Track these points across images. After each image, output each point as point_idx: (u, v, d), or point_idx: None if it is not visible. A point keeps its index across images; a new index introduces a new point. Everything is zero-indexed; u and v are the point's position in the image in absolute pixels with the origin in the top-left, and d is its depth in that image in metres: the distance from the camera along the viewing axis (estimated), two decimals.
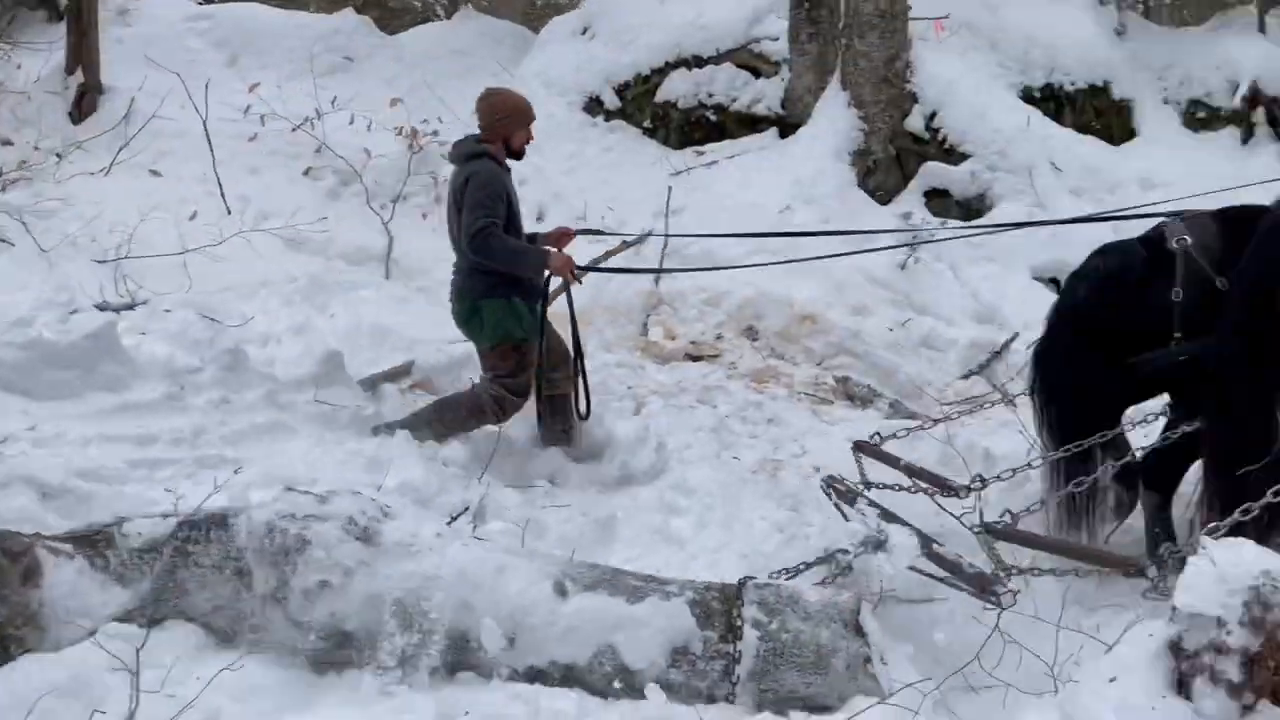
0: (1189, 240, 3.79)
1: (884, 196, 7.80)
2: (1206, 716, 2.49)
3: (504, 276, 4.38)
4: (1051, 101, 7.89)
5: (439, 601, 2.85)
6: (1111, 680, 2.67)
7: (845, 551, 3.42)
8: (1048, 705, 2.90)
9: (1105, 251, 4.12)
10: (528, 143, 4.60)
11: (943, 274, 7.10)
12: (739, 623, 2.89)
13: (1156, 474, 4.01)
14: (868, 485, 4.09)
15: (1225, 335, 3.60)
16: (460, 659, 2.89)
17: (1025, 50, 7.95)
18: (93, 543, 2.86)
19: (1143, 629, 2.82)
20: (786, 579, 3.29)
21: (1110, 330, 3.89)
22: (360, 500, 3.06)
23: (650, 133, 8.85)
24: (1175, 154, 7.56)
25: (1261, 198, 3.95)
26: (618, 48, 8.84)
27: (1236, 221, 3.85)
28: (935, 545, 3.48)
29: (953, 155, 7.67)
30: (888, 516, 3.63)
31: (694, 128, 8.87)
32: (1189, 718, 2.50)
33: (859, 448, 4.37)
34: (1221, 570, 2.61)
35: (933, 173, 7.73)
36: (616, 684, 2.85)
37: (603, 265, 5.34)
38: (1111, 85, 7.76)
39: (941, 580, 3.35)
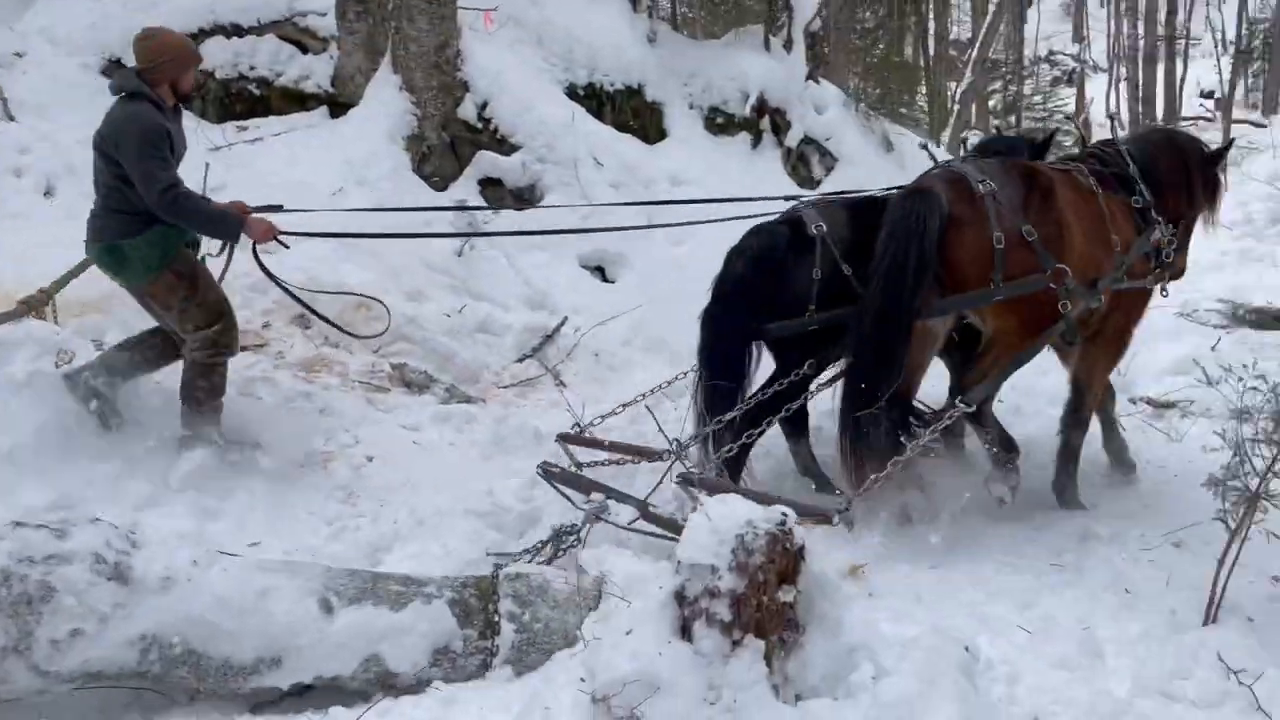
0: (824, 228, 4.42)
1: (440, 183, 7.81)
2: (704, 655, 2.77)
3: (143, 223, 4.18)
4: (594, 99, 8.37)
5: (197, 635, 2.82)
6: (628, 633, 2.89)
7: (571, 530, 3.79)
8: (576, 662, 3.09)
9: (758, 231, 4.67)
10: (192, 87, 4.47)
11: (496, 261, 7.28)
12: (496, 618, 3.18)
13: (790, 424, 4.75)
14: (579, 466, 4.54)
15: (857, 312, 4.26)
16: (224, 685, 2.89)
17: (569, 48, 8.35)
18: None
19: (656, 583, 3.08)
20: (527, 561, 3.65)
21: (763, 299, 4.45)
22: (103, 530, 2.88)
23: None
24: (699, 154, 8.39)
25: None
26: (140, 7, 7.96)
27: (860, 211, 4.57)
28: (651, 507, 3.91)
29: (504, 145, 7.87)
30: (608, 491, 4.06)
31: (235, 100, 8.29)
32: (690, 658, 2.76)
33: (564, 439, 4.79)
34: (715, 523, 2.91)
35: (487, 161, 7.88)
36: (380, 690, 3.01)
37: (309, 231, 4.72)
38: (645, 88, 8.41)
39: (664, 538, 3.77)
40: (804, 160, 8.75)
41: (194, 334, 4.34)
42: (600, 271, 7.48)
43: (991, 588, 3.94)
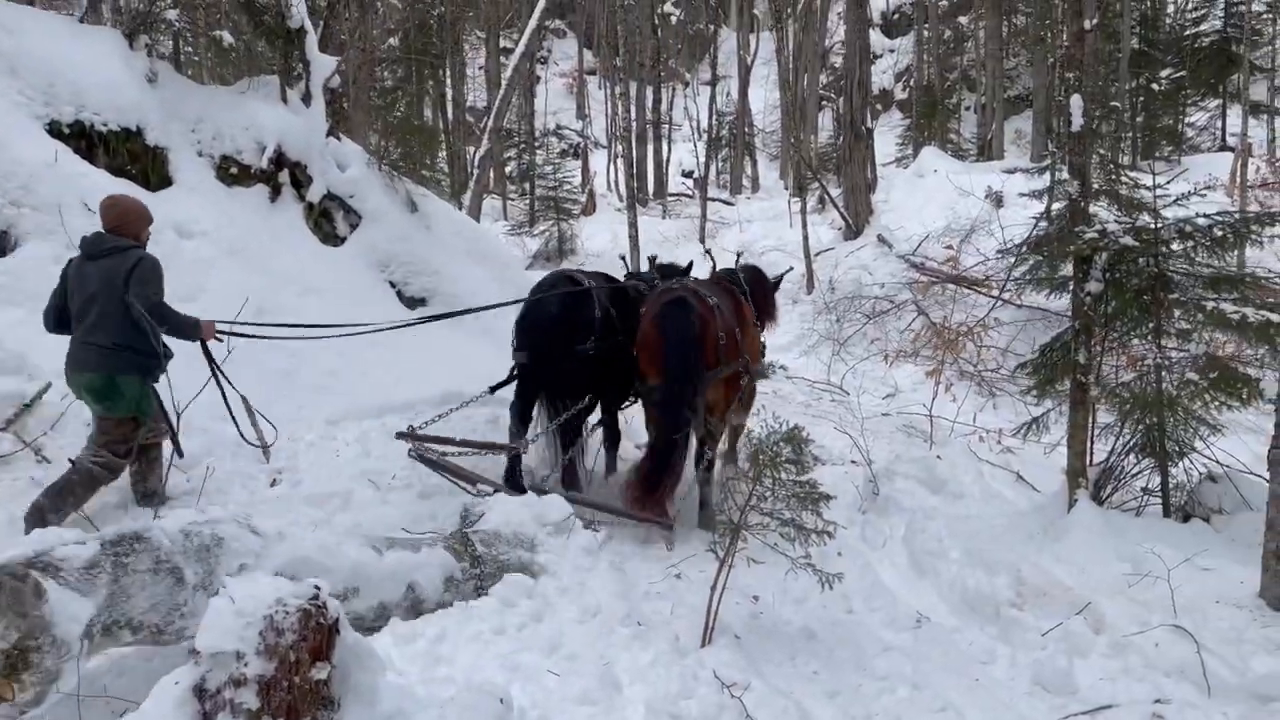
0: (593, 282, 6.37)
1: None
2: None
3: (145, 357, 5.10)
4: (83, 139, 7.48)
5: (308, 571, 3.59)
6: None
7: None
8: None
9: (556, 282, 6.29)
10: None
11: None
12: (478, 554, 4.61)
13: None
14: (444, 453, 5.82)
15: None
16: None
17: (51, 82, 7.39)
18: (44, 566, 3.06)
19: (170, 678, 2.79)
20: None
21: (571, 327, 6.04)
22: (228, 510, 4.26)
23: None
24: (211, 204, 7.85)
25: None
26: None
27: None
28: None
29: None
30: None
31: None
32: None
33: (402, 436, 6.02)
34: (240, 605, 2.71)
35: None
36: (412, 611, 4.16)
37: (238, 331, 5.75)
38: (146, 131, 7.68)
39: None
40: (327, 216, 8.56)
41: (101, 449, 5.11)
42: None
43: (522, 637, 4.10)
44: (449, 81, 26.15)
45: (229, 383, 5.51)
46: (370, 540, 4.27)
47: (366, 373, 7.39)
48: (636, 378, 6.08)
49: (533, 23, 17.66)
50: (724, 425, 6.36)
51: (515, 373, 6.30)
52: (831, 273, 16.30)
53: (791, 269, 11.03)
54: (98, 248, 5.11)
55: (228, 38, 9.80)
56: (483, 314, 8.96)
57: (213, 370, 5.47)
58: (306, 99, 8.89)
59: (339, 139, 9.07)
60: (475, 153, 17.78)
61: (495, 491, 5.60)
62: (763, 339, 7.29)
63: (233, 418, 5.54)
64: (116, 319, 4.98)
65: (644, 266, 7.75)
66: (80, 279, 5.08)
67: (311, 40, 8.96)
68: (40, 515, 4.73)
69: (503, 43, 28.85)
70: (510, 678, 3.64)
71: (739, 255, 8.59)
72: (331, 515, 5.36)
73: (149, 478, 5.39)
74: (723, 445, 6.85)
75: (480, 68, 30.08)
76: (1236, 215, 5.65)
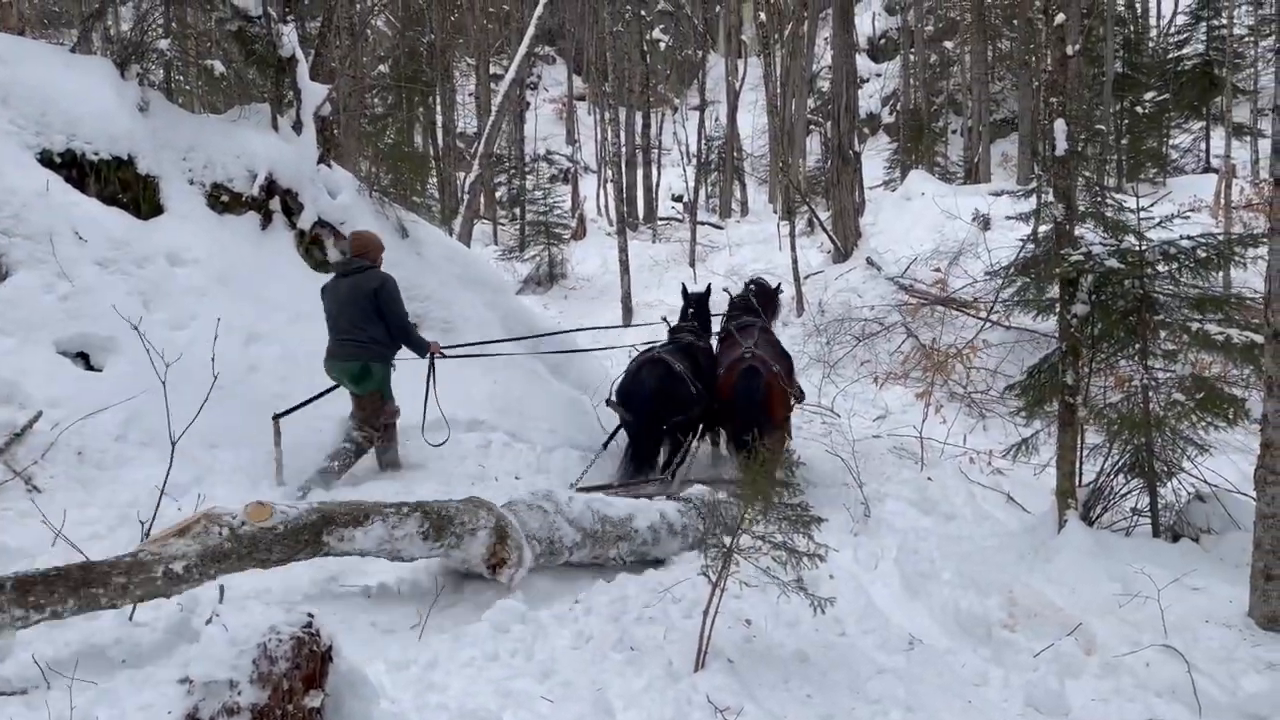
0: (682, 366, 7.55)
1: None
2: None
3: (386, 349, 6.74)
4: (75, 168, 7.49)
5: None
6: None
7: None
8: None
9: (655, 361, 7.59)
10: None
11: None
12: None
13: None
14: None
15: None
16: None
17: (43, 111, 7.40)
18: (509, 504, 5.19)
19: (163, 708, 2.79)
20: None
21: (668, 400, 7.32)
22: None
23: None
24: (203, 232, 7.86)
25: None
26: None
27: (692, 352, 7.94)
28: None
29: None
30: None
31: None
32: None
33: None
34: (233, 633, 2.72)
35: None
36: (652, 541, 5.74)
37: (460, 350, 7.45)
38: (137, 160, 7.69)
39: None
40: (318, 243, 8.58)
41: (361, 425, 6.71)
42: (84, 358, 6.65)
43: (515, 663, 4.10)
44: (439, 108, 26.29)
45: (437, 401, 6.89)
46: (649, 501, 6.07)
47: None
48: (721, 417, 7.78)
49: (522, 49, 17.79)
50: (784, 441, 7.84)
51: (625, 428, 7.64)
52: (821, 295, 16.36)
53: (781, 290, 11.16)
54: (348, 267, 6.83)
55: (219, 67, 9.86)
56: (477, 336, 9.00)
57: (429, 384, 6.89)
58: (297, 127, 8.93)
59: (329, 166, 9.10)
60: (466, 178, 17.85)
61: None
62: None
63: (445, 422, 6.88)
64: (364, 321, 6.59)
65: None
66: (335, 292, 6.73)
67: (303, 69, 9.02)
68: (329, 475, 6.35)
69: (493, 69, 29.04)
70: (503, 704, 3.63)
71: (750, 283, 9.65)
72: None
73: (389, 450, 6.83)
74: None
75: (470, 94, 30.27)
76: (1219, 237, 5.72)
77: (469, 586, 4.90)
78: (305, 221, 8.50)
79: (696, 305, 8.85)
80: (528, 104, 34.35)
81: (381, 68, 25.81)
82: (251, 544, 3.97)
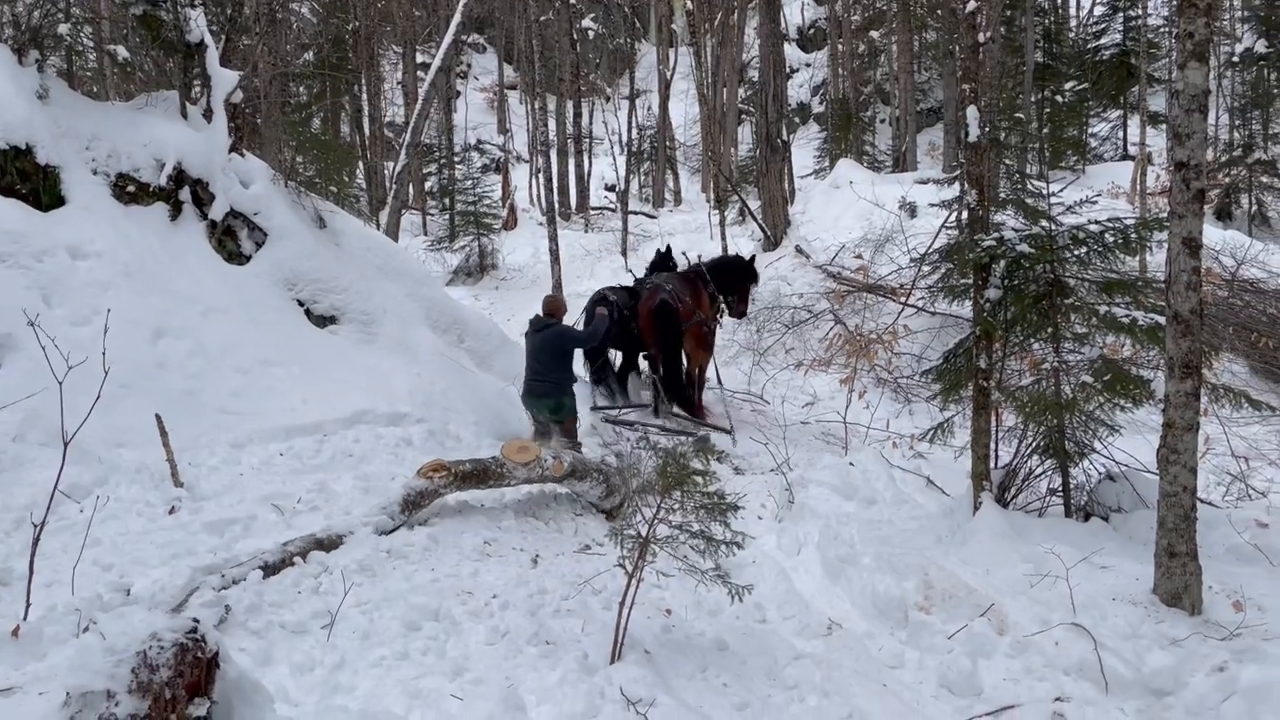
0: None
1: None
2: None
3: (571, 384, 8.21)
4: None
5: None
6: None
7: None
8: None
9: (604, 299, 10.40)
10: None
11: None
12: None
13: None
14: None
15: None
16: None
17: None
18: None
19: None
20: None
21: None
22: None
23: None
24: (107, 224, 7.56)
25: None
26: None
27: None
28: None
29: None
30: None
31: None
32: None
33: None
34: (111, 641, 2.60)
35: None
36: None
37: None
38: (35, 149, 7.36)
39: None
40: (231, 234, 8.32)
41: (569, 441, 7.92)
42: None
43: (426, 661, 4.01)
44: (365, 97, 25.82)
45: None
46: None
47: (273, 393, 7.21)
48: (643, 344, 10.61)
49: (448, 37, 17.52)
50: (694, 360, 10.49)
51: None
52: None
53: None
54: (540, 323, 8.20)
55: (123, 52, 9.49)
56: (399, 329, 8.85)
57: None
58: (208, 115, 8.64)
59: (242, 155, 8.82)
60: (393, 168, 17.53)
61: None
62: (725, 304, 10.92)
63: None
64: (557, 366, 8.05)
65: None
66: (532, 344, 8.15)
67: (212, 54, 8.72)
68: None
69: (420, 57, 28.57)
70: (410, 705, 3.56)
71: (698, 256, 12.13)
72: (231, 543, 5.18)
73: (577, 448, 7.98)
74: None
75: (398, 83, 29.78)
76: (1125, 221, 5.82)
77: (382, 582, 4.79)
78: (217, 212, 8.24)
79: (659, 259, 11.60)
80: (457, 93, 33.92)
81: (307, 56, 25.26)
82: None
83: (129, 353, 6.66)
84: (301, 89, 22.68)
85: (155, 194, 8.05)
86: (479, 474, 6.19)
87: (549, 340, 8.07)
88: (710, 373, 10.92)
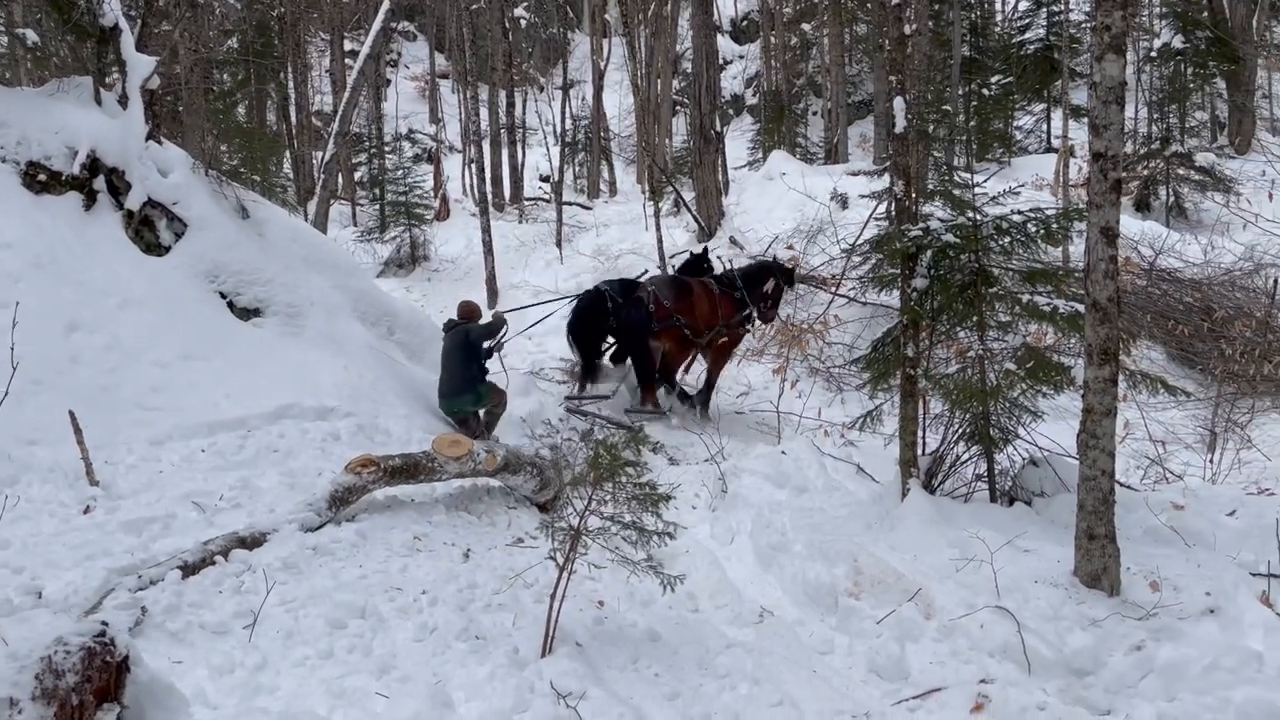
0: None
1: None
2: None
3: (482, 375, 8.54)
4: None
5: None
6: None
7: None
8: None
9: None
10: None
11: None
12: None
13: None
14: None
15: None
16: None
17: None
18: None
19: None
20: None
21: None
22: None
23: None
24: (16, 214, 7.29)
25: None
26: None
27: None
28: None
29: None
30: None
31: None
32: None
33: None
34: (13, 647, 2.50)
35: None
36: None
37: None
38: None
39: None
40: (149, 225, 8.05)
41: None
42: None
43: (351, 660, 3.94)
44: (292, 85, 25.27)
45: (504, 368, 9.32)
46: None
47: (194, 388, 7.01)
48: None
49: (377, 24, 17.22)
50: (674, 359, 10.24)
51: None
52: None
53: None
54: (450, 325, 8.69)
55: (32, 36, 9.13)
56: (326, 321, 8.66)
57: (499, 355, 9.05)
58: (123, 101, 8.35)
59: (160, 143, 8.54)
60: (322, 158, 17.19)
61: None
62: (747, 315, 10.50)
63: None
64: (464, 364, 8.34)
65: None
66: (444, 347, 8.54)
67: (127, 39, 8.42)
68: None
69: (349, 45, 28.06)
70: (334, 705, 3.48)
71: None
72: (149, 542, 5.02)
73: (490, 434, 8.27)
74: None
75: (326, 71, 29.21)
76: (1047, 211, 5.94)
77: (307, 580, 4.69)
78: (134, 202, 7.97)
79: (694, 261, 11.35)
80: (388, 81, 33.41)
81: (231, 42, 24.63)
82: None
83: (40, 347, 6.42)
84: (225, 76, 22.12)
85: (68, 183, 7.77)
86: (410, 469, 6.07)
87: (456, 339, 8.44)
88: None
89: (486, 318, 9.17)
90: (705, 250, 11.77)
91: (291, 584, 4.63)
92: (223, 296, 8.15)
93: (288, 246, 9.03)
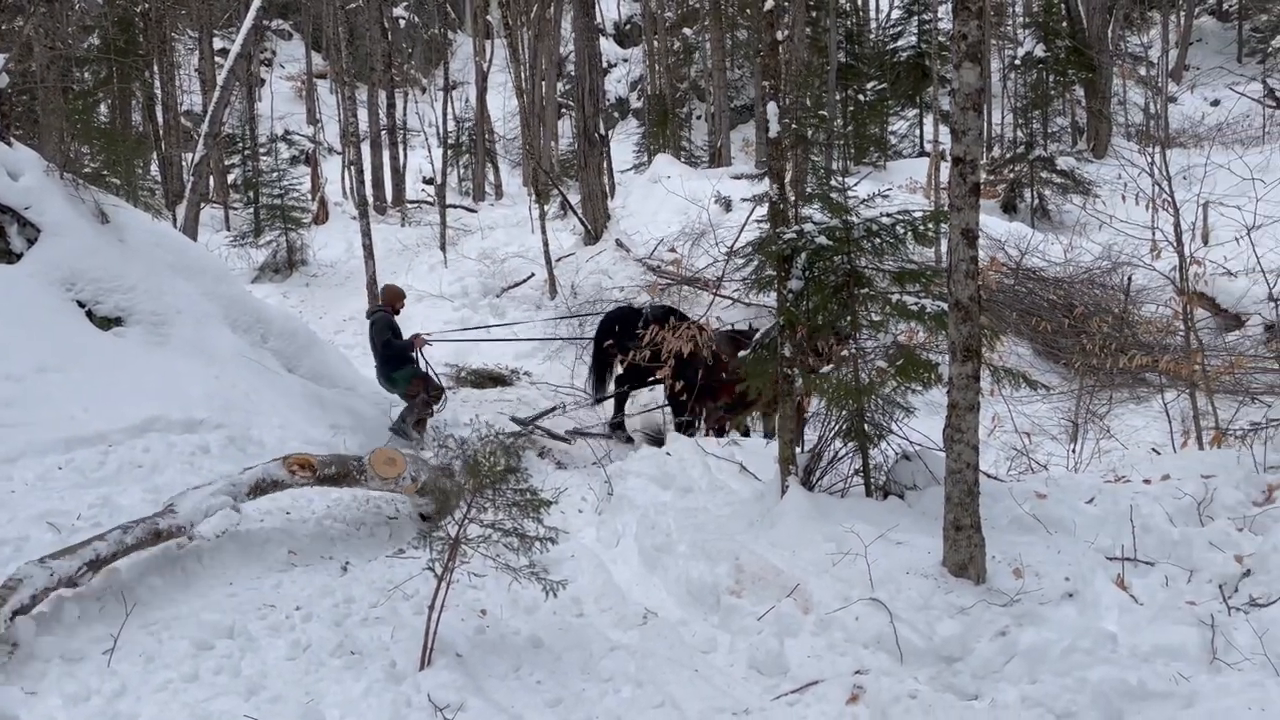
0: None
1: None
2: None
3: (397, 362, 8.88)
4: None
5: None
6: None
7: None
8: None
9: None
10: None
11: None
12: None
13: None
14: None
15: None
16: None
17: None
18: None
19: None
20: None
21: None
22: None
23: None
24: None
25: None
26: None
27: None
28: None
29: None
30: None
31: None
32: None
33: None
34: None
35: None
36: None
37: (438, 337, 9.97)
38: None
39: None
40: (0, 232, 7.62)
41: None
42: None
43: (218, 682, 3.79)
44: (159, 84, 24.26)
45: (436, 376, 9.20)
46: None
47: (49, 401, 6.65)
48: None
49: (247, 22, 16.69)
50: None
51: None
52: (573, 278, 16.42)
53: (533, 275, 11.50)
54: (371, 310, 9.60)
55: None
56: (194, 330, 8.32)
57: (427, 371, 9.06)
58: None
59: (9, 144, 8.07)
60: (191, 160, 16.54)
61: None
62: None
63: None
64: (378, 352, 8.89)
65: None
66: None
67: None
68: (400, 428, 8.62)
69: (219, 43, 27.08)
70: None
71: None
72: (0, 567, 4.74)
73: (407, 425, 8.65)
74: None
75: (195, 70, 28.14)
76: (915, 214, 6.14)
77: (172, 602, 4.50)
78: None
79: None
80: (262, 81, 32.41)
81: (93, 39, 23.51)
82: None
83: None
84: (85, 74, 21.09)
85: None
86: (339, 476, 6.08)
87: (370, 327, 9.32)
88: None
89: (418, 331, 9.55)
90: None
91: (155, 607, 4.43)
92: (81, 305, 7.75)
93: (151, 252, 8.64)
